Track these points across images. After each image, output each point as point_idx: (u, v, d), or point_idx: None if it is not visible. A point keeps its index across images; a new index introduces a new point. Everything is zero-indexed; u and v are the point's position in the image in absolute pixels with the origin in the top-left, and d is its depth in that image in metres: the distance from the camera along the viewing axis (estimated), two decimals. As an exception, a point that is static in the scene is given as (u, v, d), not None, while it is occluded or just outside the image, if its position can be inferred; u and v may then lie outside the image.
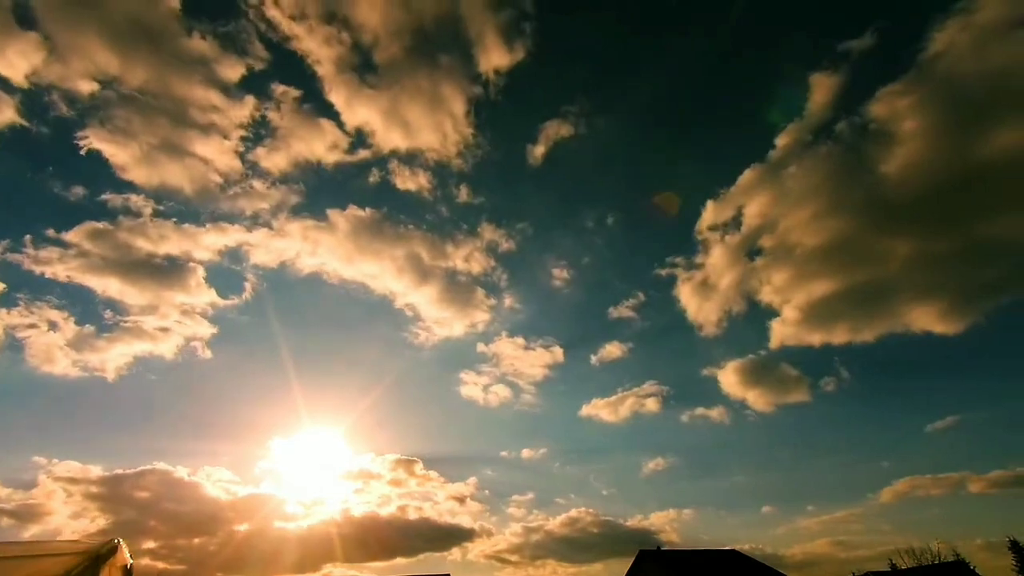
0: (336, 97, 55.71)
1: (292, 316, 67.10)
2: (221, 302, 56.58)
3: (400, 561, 50.88)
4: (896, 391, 70.93)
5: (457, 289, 65.03)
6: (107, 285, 53.45)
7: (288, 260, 58.18)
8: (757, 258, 64.40)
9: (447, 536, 55.56)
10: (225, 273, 58.10)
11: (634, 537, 56.85)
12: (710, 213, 65.92)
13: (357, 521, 53.58)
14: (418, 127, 58.79)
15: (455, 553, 54.41)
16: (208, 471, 54.72)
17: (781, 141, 64.35)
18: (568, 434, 73.07)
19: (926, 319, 62.08)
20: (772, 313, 67.11)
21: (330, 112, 58.63)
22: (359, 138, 57.98)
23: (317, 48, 52.79)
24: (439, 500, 60.05)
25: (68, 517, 46.23)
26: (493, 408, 67.42)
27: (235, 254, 57.44)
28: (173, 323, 54.05)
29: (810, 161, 62.45)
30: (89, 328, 52.85)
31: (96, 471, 49.45)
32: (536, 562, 55.62)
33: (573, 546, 56.52)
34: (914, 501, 59.20)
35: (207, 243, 54.42)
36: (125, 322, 53.63)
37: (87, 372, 52.87)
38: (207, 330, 55.71)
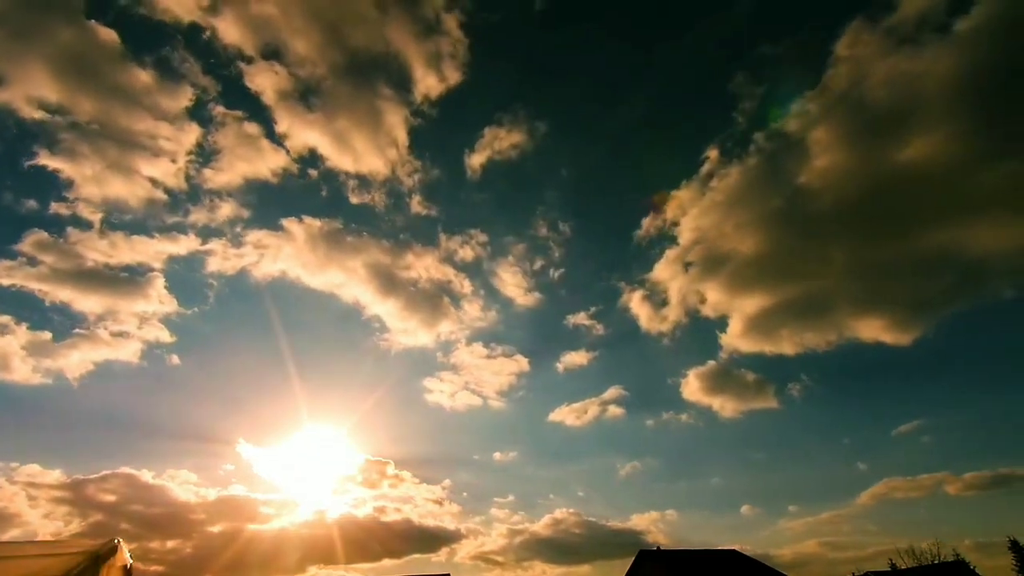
0: (282, 124, 57.52)
1: (250, 323, 67.67)
2: (179, 310, 57.41)
3: (387, 563, 51.22)
4: (857, 397, 72.66)
5: (419, 297, 65.71)
6: (62, 294, 53.71)
7: (245, 269, 59.23)
8: (693, 268, 66.04)
9: (431, 538, 55.96)
10: (182, 282, 58.97)
11: (619, 538, 57.48)
12: (649, 225, 68.46)
13: (338, 523, 53.76)
14: (362, 149, 60.33)
15: (441, 555, 54.84)
16: (172, 473, 55.19)
17: (710, 154, 67.20)
18: (538, 438, 74.00)
19: (874, 330, 64.03)
20: (720, 323, 68.55)
21: (277, 138, 59.07)
22: (308, 160, 59.56)
23: (261, 79, 54.71)
24: (419, 503, 60.74)
25: (34, 520, 46.46)
26: (460, 414, 68.31)
27: (190, 263, 58.54)
28: (131, 330, 54.92)
29: (736, 174, 64.59)
30: (46, 334, 53.22)
31: (57, 475, 49.60)
32: (523, 563, 56.16)
33: (559, 547, 56.95)
34: (894, 502, 60.31)
35: (162, 252, 55.27)
36: (83, 329, 54.44)
37: (48, 378, 53.28)
38: (166, 336, 56.54)
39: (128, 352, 54.84)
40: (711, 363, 66.78)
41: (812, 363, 67.75)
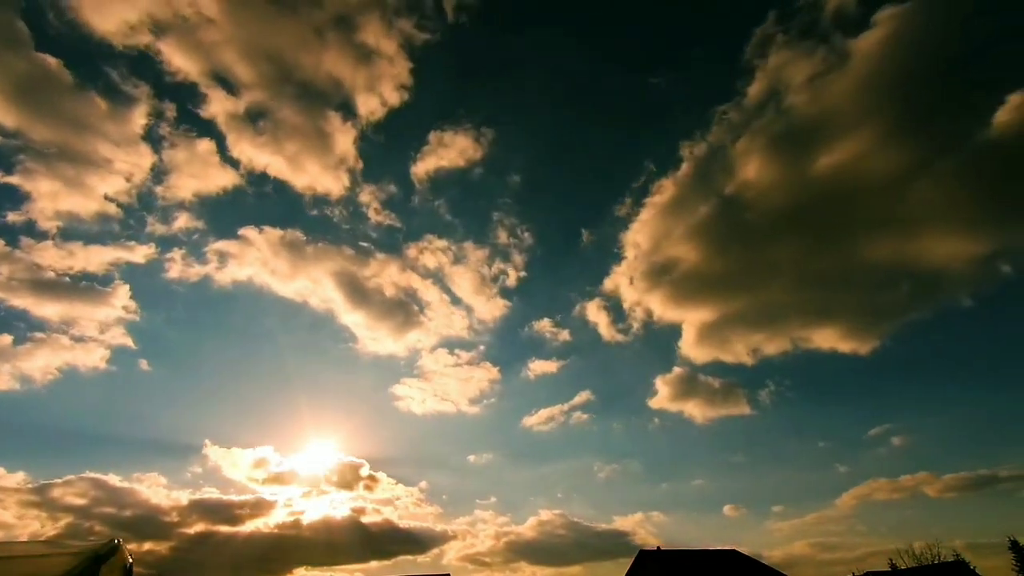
0: (234, 145, 59.25)
1: (214, 329, 69.12)
2: (141, 316, 59.24)
3: (374, 564, 51.36)
4: (825, 404, 75.72)
5: (384, 303, 66.88)
6: (20, 300, 54.51)
7: (207, 276, 60.82)
8: (642, 280, 68.74)
9: (416, 539, 56.49)
10: (144, 289, 60.41)
11: (605, 540, 58.76)
12: (598, 235, 71.22)
13: (319, 525, 53.89)
14: (314, 167, 62.56)
15: (428, 556, 55.52)
16: (139, 476, 56.53)
17: (649, 166, 70.74)
18: (512, 443, 75.64)
19: (830, 339, 67.69)
20: (675, 332, 71.06)
21: (230, 158, 60.17)
22: (261, 178, 61.33)
23: (212, 103, 56.67)
24: (399, 505, 61.95)
25: (10, 521, 46.67)
26: (431, 419, 69.84)
27: (151, 271, 60.08)
28: (94, 336, 55.89)
29: (671, 186, 67.50)
30: (6, 338, 53.83)
31: (21, 477, 50.23)
32: (510, 565, 56.68)
33: (546, 549, 57.85)
34: (877, 504, 62.35)
35: (121, 261, 56.54)
36: (43, 335, 55.04)
37: (10, 383, 53.97)
38: (129, 342, 57.84)
39: (90, 358, 55.87)
40: (677, 370, 68.94)
41: (774, 371, 70.69)
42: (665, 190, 68.93)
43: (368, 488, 60.39)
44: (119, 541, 6.34)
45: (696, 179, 67.37)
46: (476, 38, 67.45)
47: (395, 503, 63.19)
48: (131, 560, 7.13)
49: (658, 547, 32.47)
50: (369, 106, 60.34)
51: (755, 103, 65.66)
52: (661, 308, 69.19)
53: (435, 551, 56.10)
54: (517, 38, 70.88)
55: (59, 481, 50.31)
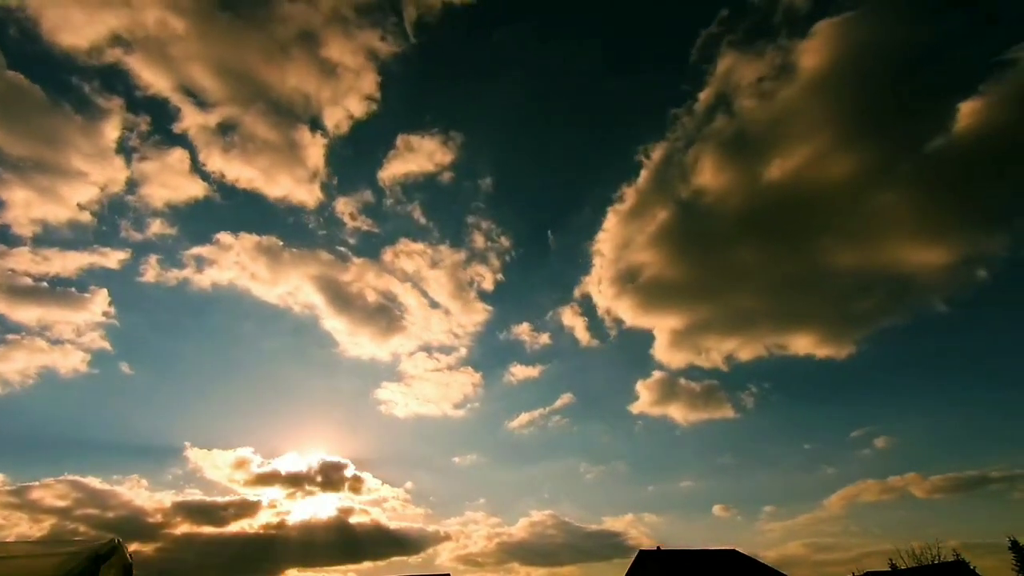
0: (206, 157, 59.32)
1: (191, 332, 69.30)
2: (119, 320, 59.61)
3: (367, 565, 51.55)
4: (804, 407, 76.18)
5: (363, 306, 66.96)
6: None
7: (185, 281, 61.09)
8: (614, 286, 69.05)
9: (409, 540, 56.52)
10: (122, 293, 60.76)
11: (595, 540, 58.96)
12: (570, 242, 72.45)
13: (308, 525, 53.89)
14: (287, 177, 62.97)
15: (420, 557, 55.63)
16: (119, 479, 56.97)
17: (613, 174, 71.55)
18: (497, 445, 75.99)
19: (806, 345, 67.43)
20: (648, 338, 72.46)
21: (202, 170, 60.21)
22: (234, 189, 61.50)
23: (187, 115, 56.89)
24: (387, 507, 62.81)
25: None
26: (414, 422, 70.12)
27: (128, 276, 60.29)
28: (72, 339, 56.14)
29: (638, 193, 67.78)
30: None
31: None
32: (503, 565, 56.84)
33: (538, 550, 57.74)
34: (866, 505, 62.72)
35: (97, 266, 56.77)
36: (19, 338, 55.28)
37: None
38: (107, 345, 58.24)
39: (69, 361, 56.13)
40: (657, 374, 69.45)
41: (751, 376, 71.98)
42: (627, 197, 69.90)
43: (354, 490, 61.05)
44: (119, 541, 6.40)
45: (655, 185, 68.22)
46: (438, 48, 68.45)
47: (383, 504, 63.72)
48: (131, 560, 7.19)
49: (658, 547, 32.52)
50: (337, 118, 61.40)
51: (706, 107, 66.73)
52: (630, 314, 70.13)
53: (427, 552, 56.55)
54: (479, 47, 72.13)
55: (36, 484, 50.63)
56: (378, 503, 65.46)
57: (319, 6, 55.25)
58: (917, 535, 78.45)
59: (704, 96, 66.85)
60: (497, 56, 72.21)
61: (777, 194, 64.37)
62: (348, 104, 59.82)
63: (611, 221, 70.55)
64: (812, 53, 59.99)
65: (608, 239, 70.26)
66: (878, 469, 66.34)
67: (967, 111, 61.01)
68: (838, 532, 63.30)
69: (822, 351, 67.27)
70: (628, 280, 68.53)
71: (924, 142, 64.29)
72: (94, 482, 51.73)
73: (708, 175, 65.96)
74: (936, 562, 36.40)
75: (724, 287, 70.20)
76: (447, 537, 59.27)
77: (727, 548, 35.25)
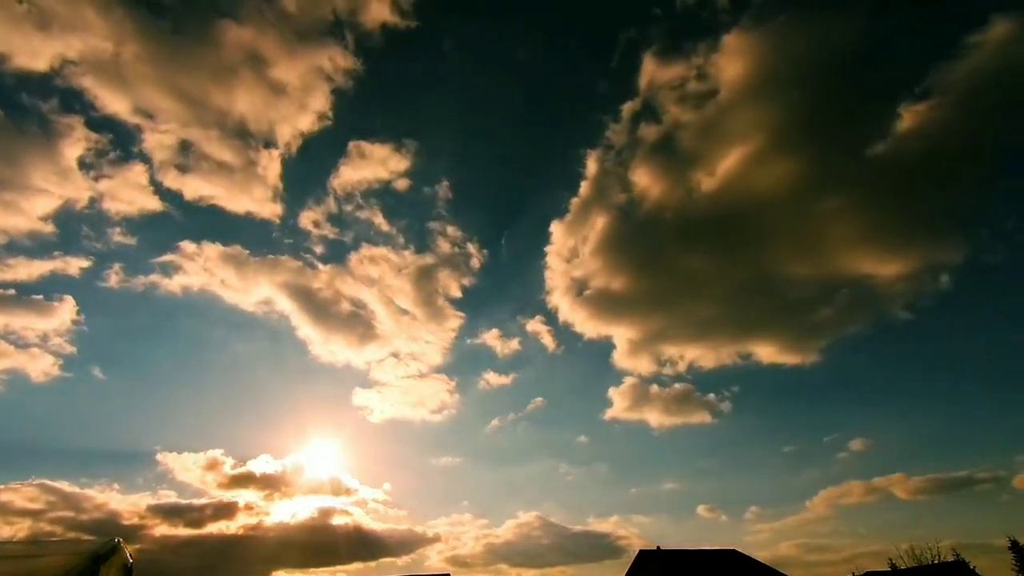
0: (168, 176, 59.44)
1: (164, 337, 69.69)
2: (85, 327, 59.67)
3: (356, 566, 51.57)
4: (774, 413, 77.44)
5: (335, 315, 66.91)
6: None
7: (150, 288, 61.53)
8: (572, 296, 69.46)
9: (396, 542, 56.82)
10: (88, 301, 60.94)
11: (583, 541, 59.40)
12: (530, 252, 73.53)
13: (294, 528, 53.63)
14: (248, 192, 62.96)
15: (409, 558, 55.74)
16: (87, 481, 57.90)
17: (560, 185, 72.35)
18: (473, 449, 76.76)
19: (768, 353, 69.32)
20: (611, 346, 71.80)
21: (163, 187, 60.23)
22: (196, 206, 61.66)
23: (146, 134, 57.77)
24: (368, 509, 63.06)
25: None
26: (390, 426, 70.71)
27: (94, 284, 60.53)
28: (38, 345, 56.24)
29: (582, 203, 68.15)
30: None
31: None
32: (491, 567, 56.85)
33: (526, 551, 58.06)
34: (849, 507, 63.83)
35: (62, 273, 56.88)
36: None
37: None
38: (74, 351, 58.33)
39: (35, 367, 56.25)
40: (629, 380, 69.89)
41: (718, 382, 73.44)
42: (571, 206, 70.79)
43: (334, 492, 60.98)
44: (119, 541, 6.39)
45: (594, 195, 68.78)
46: (384, 64, 68.89)
47: (364, 507, 64.08)
48: (131, 560, 7.18)
49: (658, 547, 32.52)
50: (290, 134, 62.11)
51: (631, 115, 67.75)
52: (588, 324, 71.25)
53: (414, 554, 56.68)
54: (423, 60, 73.00)
55: (2, 487, 50.45)
56: (359, 505, 65.56)
57: (265, 31, 56.97)
58: (904, 536, 79.51)
59: (630, 105, 68.10)
60: (441, 69, 73.64)
61: (717, 202, 65.08)
62: (300, 121, 61.26)
63: (557, 231, 71.23)
64: (736, 59, 60.63)
65: (555, 250, 71.19)
66: (858, 471, 67.26)
67: (910, 114, 61.78)
68: (828, 533, 64.17)
69: (785, 359, 68.42)
70: (578, 291, 69.40)
71: (866, 147, 64.82)
72: (64, 486, 51.70)
73: (645, 184, 67.06)
74: (936, 562, 36.40)
75: (677, 296, 71.10)
76: (436, 539, 59.74)
77: (727, 548, 35.26)
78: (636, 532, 63.08)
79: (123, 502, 54.03)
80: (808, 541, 62.24)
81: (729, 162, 63.05)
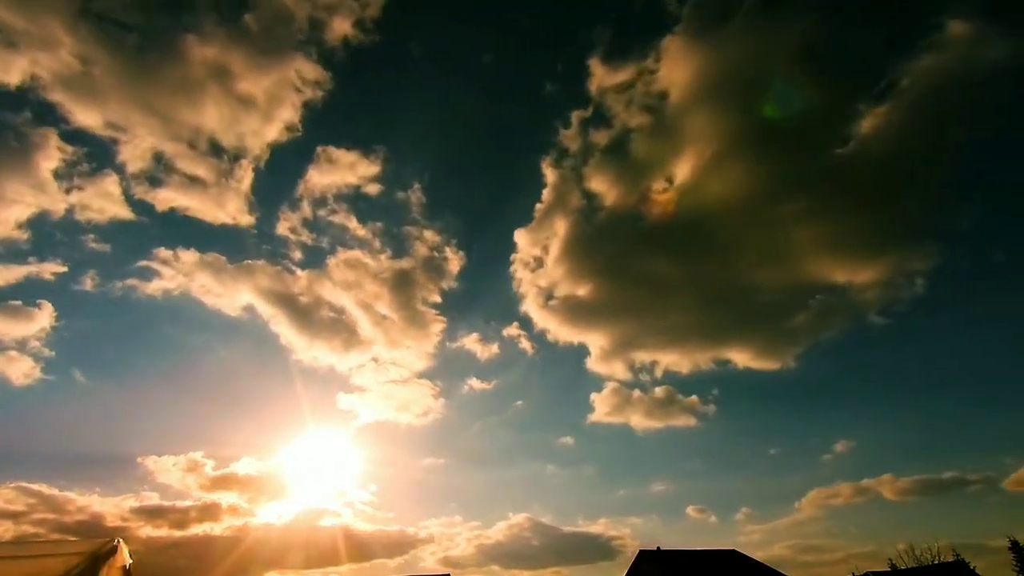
0: (140, 189, 59.17)
1: (144, 341, 68.81)
2: (62, 333, 58.84)
3: (346, 568, 51.35)
4: (759, 416, 77.53)
5: (317, 318, 66.16)
6: None
7: (128, 293, 60.84)
8: (541, 303, 69.15)
9: (385, 544, 56.34)
10: (65, 305, 59.83)
11: (578, 542, 59.25)
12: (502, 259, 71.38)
13: (283, 530, 53.28)
14: (223, 205, 62.31)
15: (402, 559, 55.55)
16: (64, 484, 56.25)
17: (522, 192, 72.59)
18: (458, 452, 76.37)
19: (743, 359, 68.07)
20: (586, 351, 72.07)
21: (136, 200, 59.82)
22: (170, 215, 61.26)
23: (121, 147, 57.69)
24: (357, 511, 61.86)
25: None
26: (374, 430, 69.96)
27: (70, 289, 59.99)
28: (13, 348, 55.70)
29: (545, 209, 67.91)
30: None
31: None
32: (484, 568, 56.89)
33: (519, 552, 57.79)
34: (843, 508, 63.67)
35: (37, 278, 56.40)
36: None
37: None
38: (51, 356, 57.77)
39: (13, 372, 55.50)
40: (611, 385, 69.54)
41: (699, 387, 74.12)
42: (538, 214, 70.29)
43: (323, 495, 62.10)
44: (119, 541, 6.36)
45: (557, 203, 68.43)
46: (353, 71, 67.82)
47: (352, 508, 63.92)
48: (131, 560, 7.16)
49: (658, 547, 32.51)
50: (259, 146, 61.65)
51: (581, 121, 67.24)
52: (562, 330, 70.50)
53: (406, 555, 56.40)
54: (390, 67, 72.57)
55: None
56: (348, 507, 65.34)
57: (229, 48, 57.39)
58: (897, 537, 79.75)
59: (580, 112, 68.01)
60: (408, 76, 73.54)
61: (678, 208, 64.86)
62: (269, 132, 61.04)
63: (522, 239, 70.80)
64: (683, 62, 60.26)
65: (520, 258, 71.31)
66: (845, 473, 67.34)
67: (871, 118, 61.54)
68: (820, 533, 64.42)
69: (761, 365, 68.46)
70: (546, 299, 69.40)
71: (828, 150, 64.90)
72: (44, 488, 50.91)
73: (602, 190, 67.11)
74: (936, 562, 36.43)
75: (645, 303, 70.77)
76: (430, 539, 59.43)
77: (727, 549, 35.27)
78: (628, 533, 63.17)
79: (105, 504, 53.55)
80: (801, 542, 62.60)
81: (686, 167, 63.19)
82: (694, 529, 65.81)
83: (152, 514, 52.71)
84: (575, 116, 68.85)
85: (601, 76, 65.61)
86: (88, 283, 59.54)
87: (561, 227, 68.04)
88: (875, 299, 66.41)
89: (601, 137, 67.49)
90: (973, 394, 70.70)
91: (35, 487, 50.30)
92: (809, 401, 76.16)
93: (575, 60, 71.82)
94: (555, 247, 67.75)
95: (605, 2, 70.68)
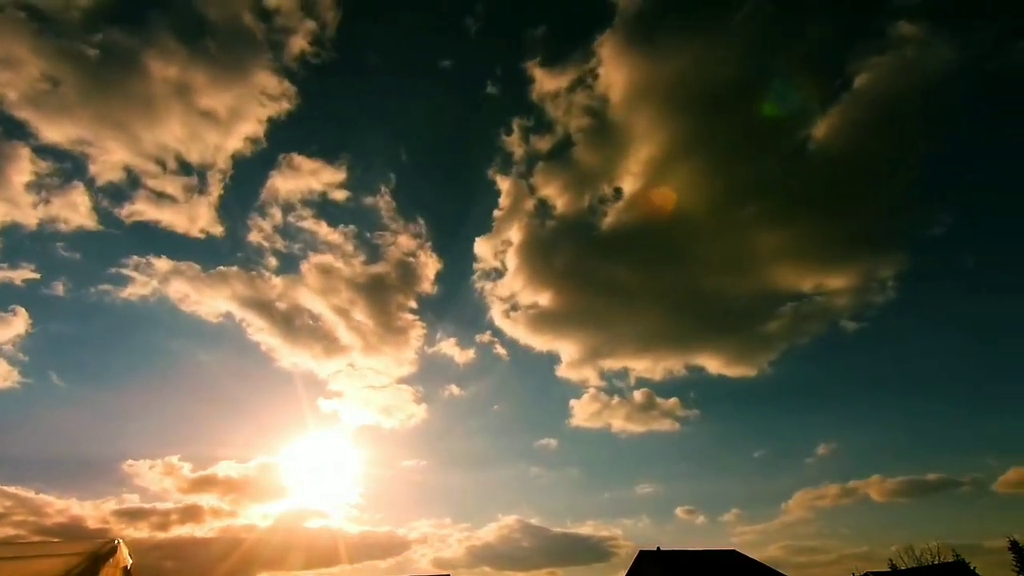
0: (110, 201, 59.92)
1: (119, 346, 68.65)
2: (36, 338, 59.01)
3: (341, 568, 51.52)
4: (740, 420, 77.52)
5: (294, 322, 66.03)
6: None
7: (103, 299, 61.02)
8: (506, 310, 69.21)
9: (375, 545, 56.73)
10: (39, 311, 60.24)
11: (569, 543, 59.30)
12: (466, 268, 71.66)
13: (269, 532, 53.10)
14: (184, 219, 62.02)
15: (394, 560, 55.81)
16: (40, 486, 55.77)
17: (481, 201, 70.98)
18: (440, 456, 76.66)
19: (717, 364, 68.48)
20: (556, 359, 71.51)
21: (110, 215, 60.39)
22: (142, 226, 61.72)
23: (92, 162, 58.09)
24: (343, 513, 62.18)
25: None
26: (355, 433, 69.78)
27: (43, 295, 60.01)
28: None
29: (502, 218, 67.93)
30: None
31: None
32: (474, 569, 56.85)
33: (510, 554, 57.88)
34: (830, 509, 64.29)
35: (9, 282, 56.51)
36: None
37: None
38: (25, 360, 57.98)
39: None
40: (590, 391, 69.88)
41: (675, 392, 73.87)
42: (496, 221, 70.24)
43: (308, 498, 61.45)
44: (119, 542, 6.51)
45: (511, 211, 68.16)
46: (314, 80, 67.34)
47: (340, 511, 63.79)
48: (131, 561, 7.30)
49: (658, 548, 32.61)
50: (224, 159, 61.80)
51: (523, 129, 67.40)
52: (534, 339, 71.52)
53: (400, 557, 56.62)
54: (350, 76, 73.12)
55: None
56: (335, 510, 65.49)
57: (189, 66, 57.70)
58: (889, 539, 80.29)
59: (521, 119, 67.98)
60: (368, 84, 73.90)
61: (631, 215, 64.80)
62: (233, 143, 61.29)
63: (482, 248, 70.48)
64: (623, 66, 59.50)
65: (481, 268, 71.25)
66: (833, 475, 67.70)
67: (828, 120, 60.96)
68: (812, 535, 64.57)
69: (735, 371, 68.36)
70: (511, 308, 69.30)
71: (785, 154, 64.33)
72: (19, 491, 51.11)
73: (552, 196, 66.87)
74: (936, 563, 36.42)
75: (611, 311, 70.63)
76: (421, 540, 59.73)
77: (727, 549, 35.34)
78: (620, 534, 63.06)
79: (85, 507, 53.55)
80: (794, 543, 62.59)
81: (636, 172, 62.67)
82: (685, 530, 66.00)
83: (134, 516, 53.01)
84: (516, 123, 69.18)
85: (541, 80, 65.37)
86: (60, 288, 60.11)
87: (516, 235, 67.70)
88: (847, 305, 66.74)
89: (544, 143, 67.45)
90: (952, 395, 71.49)
91: (11, 490, 50.77)
92: (789, 405, 76.75)
93: (515, 64, 71.36)
94: (512, 256, 67.40)
95: (542, 2, 70.05)
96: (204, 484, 58.26)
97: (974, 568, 33.03)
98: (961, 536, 75.71)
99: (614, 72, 61.12)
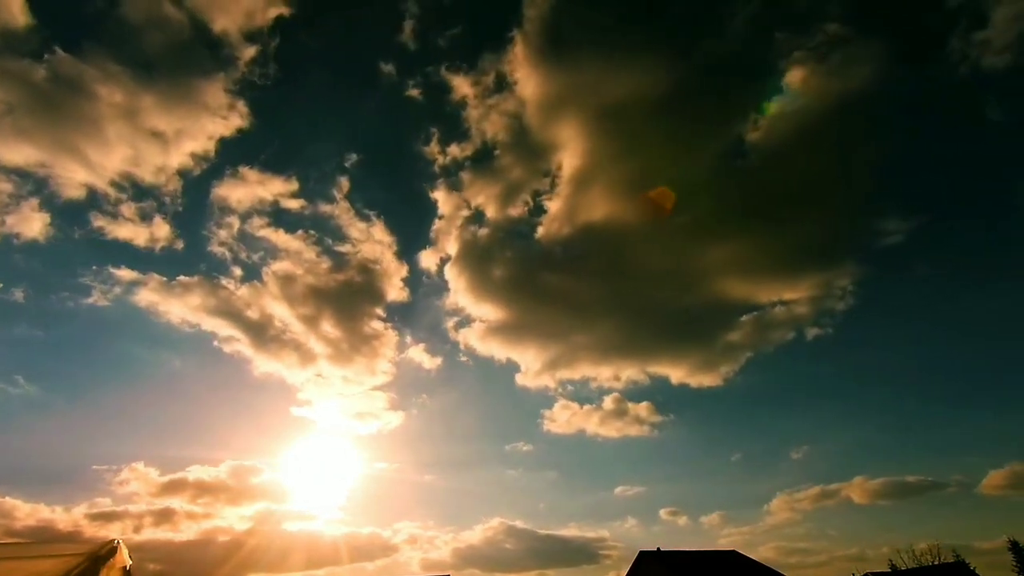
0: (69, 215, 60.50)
1: (90, 353, 68.71)
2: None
3: (328, 570, 51.47)
4: (713, 426, 78.26)
5: (261, 330, 65.70)
6: None
7: (69, 307, 61.68)
8: (460, 321, 69.73)
9: (358, 547, 56.41)
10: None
11: (558, 546, 59.51)
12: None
13: (251, 535, 53.06)
14: (145, 230, 61.99)
15: (381, 562, 55.87)
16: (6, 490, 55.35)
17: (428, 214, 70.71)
18: (418, 459, 76.59)
19: (680, 374, 70.04)
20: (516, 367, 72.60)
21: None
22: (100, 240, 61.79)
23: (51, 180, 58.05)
24: (325, 517, 62.78)
25: None
26: (335, 438, 69.85)
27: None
28: None
29: (440, 231, 67.89)
30: None
31: None
32: (462, 571, 56.67)
33: (496, 556, 57.85)
34: (819, 511, 65.23)
35: None
36: None
37: None
38: None
39: None
40: (561, 400, 70.26)
41: (643, 398, 73.14)
42: (434, 233, 70.08)
43: (287, 500, 61.34)
44: (119, 542, 6.33)
45: (447, 221, 67.92)
46: (264, 93, 67.03)
47: (321, 514, 63.93)
48: (131, 561, 7.12)
49: (658, 548, 32.49)
50: (174, 181, 61.69)
51: (441, 135, 67.47)
52: (494, 348, 71.37)
53: (388, 559, 56.86)
54: (297, 92, 72.85)
55: None
56: (317, 513, 65.58)
57: (135, 92, 57.91)
58: (880, 540, 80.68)
59: (438, 126, 68.42)
60: (314, 90, 73.79)
61: (567, 225, 64.78)
62: (184, 161, 61.16)
63: (426, 260, 70.28)
64: (534, 70, 58.98)
65: (427, 279, 71.62)
66: (817, 477, 68.31)
67: (762, 125, 60.79)
68: (800, 536, 64.87)
69: (698, 381, 68.79)
70: (464, 320, 69.47)
71: (724, 162, 64.33)
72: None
73: (483, 205, 66.61)
74: (936, 563, 36.43)
75: (560, 322, 70.72)
76: (409, 541, 59.77)
77: (727, 549, 35.30)
78: (608, 536, 63.25)
79: (56, 511, 52.59)
80: (784, 544, 63.07)
81: (563, 180, 62.39)
82: (671, 531, 66.45)
83: (108, 518, 52.34)
84: (434, 130, 68.79)
85: (459, 86, 65.09)
86: (19, 295, 59.47)
87: (454, 246, 67.31)
88: (808, 313, 67.15)
89: (466, 150, 66.87)
90: (927, 396, 72.41)
91: None
92: (761, 410, 77.53)
93: (433, 70, 69.90)
94: (453, 268, 67.13)
95: (456, 7, 68.81)
96: (176, 487, 57.75)
97: (974, 568, 33.07)
98: (948, 537, 76.85)
99: (528, 78, 60.48)
